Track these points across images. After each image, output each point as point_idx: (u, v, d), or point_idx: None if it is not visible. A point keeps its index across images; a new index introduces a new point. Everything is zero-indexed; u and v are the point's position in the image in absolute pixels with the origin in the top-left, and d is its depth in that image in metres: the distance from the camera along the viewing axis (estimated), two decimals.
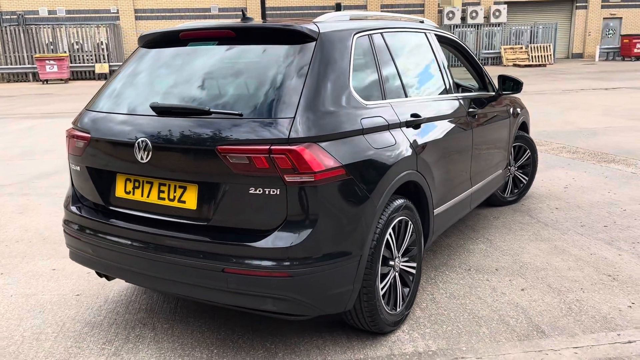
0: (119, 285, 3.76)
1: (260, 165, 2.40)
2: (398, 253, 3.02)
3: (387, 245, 2.88)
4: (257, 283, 2.46)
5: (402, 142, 2.97)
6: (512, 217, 5.03)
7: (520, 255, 4.12)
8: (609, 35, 33.09)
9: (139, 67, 3.09)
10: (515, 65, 28.59)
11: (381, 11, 31.98)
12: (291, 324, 3.14)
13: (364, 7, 29.62)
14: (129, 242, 2.73)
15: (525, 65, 28.24)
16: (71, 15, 28.26)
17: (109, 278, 3.29)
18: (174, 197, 2.65)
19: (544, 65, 28.29)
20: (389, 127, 2.92)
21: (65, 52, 26.94)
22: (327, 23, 2.86)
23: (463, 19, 29.74)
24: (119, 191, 2.84)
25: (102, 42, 27.38)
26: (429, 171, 3.24)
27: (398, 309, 3.04)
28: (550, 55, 29.26)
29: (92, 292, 3.68)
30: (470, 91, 4.47)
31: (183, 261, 2.56)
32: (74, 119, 3.15)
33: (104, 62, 27.20)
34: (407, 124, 3.09)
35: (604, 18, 32.88)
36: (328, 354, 2.86)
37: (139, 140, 2.64)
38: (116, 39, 27.92)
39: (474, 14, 29.58)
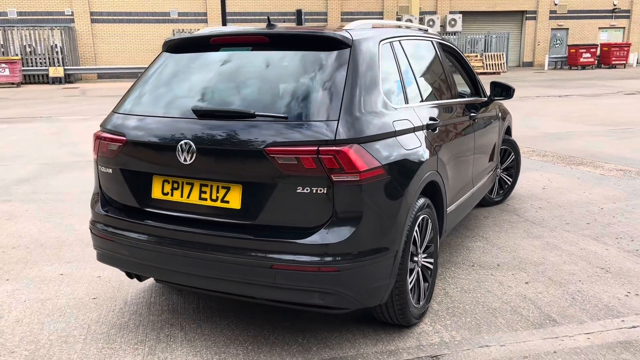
0: (135, 288, 3.77)
1: (308, 165, 2.51)
2: (420, 249, 3.18)
3: (414, 241, 3.04)
4: (305, 278, 2.56)
5: (425, 144, 3.14)
6: (500, 216, 5.30)
7: (516, 251, 4.36)
8: (557, 45, 34.65)
9: (167, 71, 3.14)
10: None
11: (341, 19, 32.49)
12: (317, 320, 3.25)
13: (324, 14, 29.96)
14: (170, 242, 2.78)
15: (480, 73, 29.21)
16: (23, 17, 27.36)
17: (140, 278, 3.32)
18: (217, 197, 2.72)
19: (498, 73, 29.35)
20: (414, 129, 3.09)
21: (17, 55, 26.03)
22: (357, 30, 3.00)
23: None
24: (156, 192, 2.88)
25: (56, 45, 26.61)
26: (445, 171, 3.42)
27: (421, 303, 3.20)
28: (503, 63, 30.39)
29: (109, 295, 3.67)
30: (464, 96, 4.70)
31: (230, 259, 2.64)
32: (103, 121, 3.17)
33: (59, 66, 26.44)
34: (427, 127, 3.27)
35: (551, 29, 34.40)
36: (360, 346, 2.99)
37: (182, 142, 2.70)
38: (71, 42, 27.21)
39: (430, 23, 30.40)
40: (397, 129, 2.89)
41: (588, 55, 31.45)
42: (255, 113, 2.65)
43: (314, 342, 3.04)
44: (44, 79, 26.37)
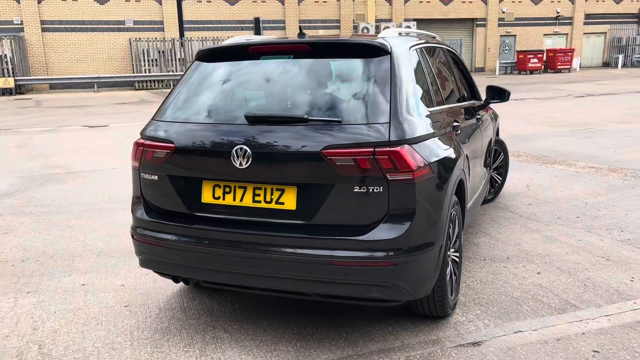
0: (164, 294, 3.79)
1: (365, 166, 2.66)
2: (451, 244, 3.37)
3: (448, 236, 3.23)
4: (364, 273, 2.70)
5: (454, 145, 3.34)
6: (495, 213, 5.58)
7: (520, 244, 4.63)
8: (506, 51, 36.05)
9: (206, 79, 3.22)
10: None
11: (299, 25, 32.67)
12: (354, 317, 3.38)
13: (282, 22, 30.13)
14: (226, 244, 2.86)
15: None
16: None
17: (186, 282, 3.36)
18: (271, 199, 2.82)
19: None
20: (445, 131, 3.28)
21: None
22: (391, 38, 3.17)
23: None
24: (206, 197, 2.95)
25: (5, 55, 25.66)
26: (468, 170, 3.64)
27: (453, 295, 3.39)
28: None
29: (140, 303, 3.69)
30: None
31: (288, 257, 2.74)
32: (143, 129, 3.21)
33: (9, 77, 25.50)
34: (453, 128, 3.47)
35: (500, 35, 35.78)
36: (403, 338, 3.14)
37: (237, 148, 2.79)
38: (21, 52, 26.33)
39: (365, 33, 31.07)
40: (434, 131, 3.07)
41: (535, 60, 32.87)
42: (309, 118, 2.77)
43: (359, 336, 3.17)
44: None
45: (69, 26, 27.58)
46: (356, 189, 2.68)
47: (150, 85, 27.58)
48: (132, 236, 3.21)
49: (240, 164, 2.79)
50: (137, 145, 3.15)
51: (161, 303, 3.67)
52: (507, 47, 36.08)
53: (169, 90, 26.20)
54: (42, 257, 4.63)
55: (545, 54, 33.69)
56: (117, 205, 6.27)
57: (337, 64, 3.04)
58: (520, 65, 33.31)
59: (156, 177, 3.07)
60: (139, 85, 27.39)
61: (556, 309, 3.44)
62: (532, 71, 33.02)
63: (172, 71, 27.87)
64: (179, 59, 27.91)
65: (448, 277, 3.23)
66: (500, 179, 6.05)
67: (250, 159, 2.78)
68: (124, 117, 16.21)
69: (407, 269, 2.75)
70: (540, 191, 6.40)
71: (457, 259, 3.52)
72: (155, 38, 28.01)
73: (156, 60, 27.78)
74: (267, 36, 3.50)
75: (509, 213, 5.55)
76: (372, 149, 2.65)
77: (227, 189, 2.91)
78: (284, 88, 3.01)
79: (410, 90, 3.00)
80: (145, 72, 27.64)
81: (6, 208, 6.26)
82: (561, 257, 4.33)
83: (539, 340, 3.07)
